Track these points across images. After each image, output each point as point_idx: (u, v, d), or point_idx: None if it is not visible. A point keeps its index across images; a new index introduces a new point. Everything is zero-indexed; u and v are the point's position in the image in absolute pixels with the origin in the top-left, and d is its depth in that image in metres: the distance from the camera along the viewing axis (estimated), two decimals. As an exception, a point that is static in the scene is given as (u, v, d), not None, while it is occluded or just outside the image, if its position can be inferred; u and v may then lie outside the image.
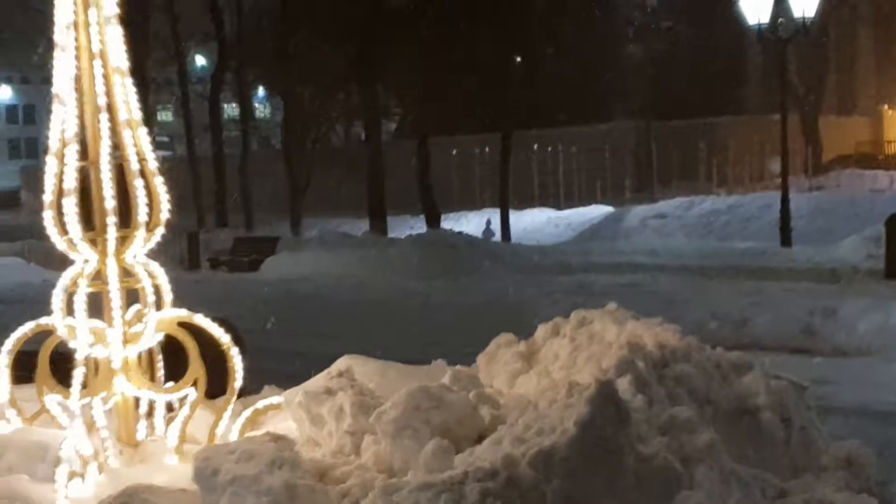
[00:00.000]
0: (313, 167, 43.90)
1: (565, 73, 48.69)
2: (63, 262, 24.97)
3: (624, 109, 54.63)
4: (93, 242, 6.43)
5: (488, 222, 34.95)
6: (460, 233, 30.31)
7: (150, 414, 6.40)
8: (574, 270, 23.68)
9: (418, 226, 35.79)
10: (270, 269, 28.65)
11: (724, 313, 15.24)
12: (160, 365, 6.70)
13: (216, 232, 34.31)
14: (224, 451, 4.97)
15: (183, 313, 6.48)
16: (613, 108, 55.68)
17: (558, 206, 42.40)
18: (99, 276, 6.39)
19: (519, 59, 37.61)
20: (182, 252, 31.39)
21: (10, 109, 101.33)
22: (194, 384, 6.07)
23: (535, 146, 45.88)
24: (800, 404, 6.17)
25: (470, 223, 39.15)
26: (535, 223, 38.76)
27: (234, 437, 5.99)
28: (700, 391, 5.96)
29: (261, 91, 54.73)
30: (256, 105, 51.27)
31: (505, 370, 6.44)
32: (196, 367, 6.10)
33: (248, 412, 6.16)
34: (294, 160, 40.28)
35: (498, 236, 34.15)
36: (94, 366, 6.19)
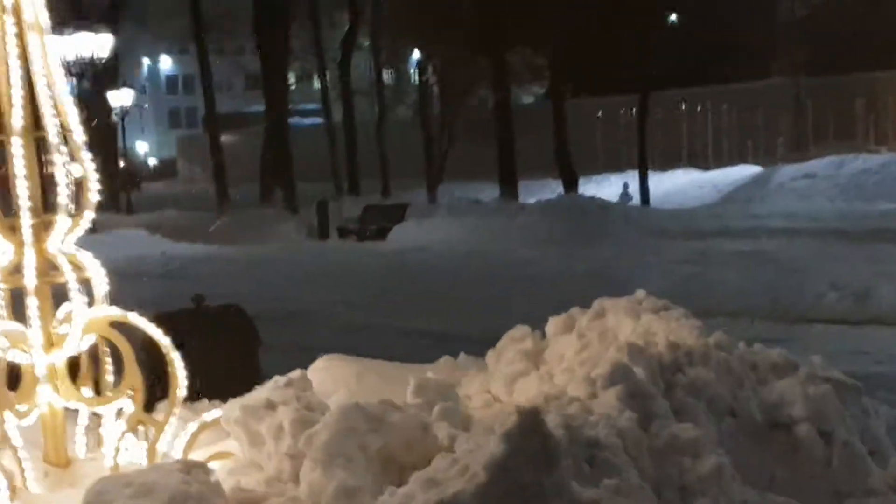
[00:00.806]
0: (454, 132, 43.28)
1: (717, 29, 47.05)
2: (193, 235, 24.58)
3: (779, 66, 52.49)
4: (12, 230, 5.64)
5: (625, 186, 33.80)
6: (592, 197, 29.25)
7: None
8: (705, 235, 22.54)
9: (558, 190, 34.85)
10: (398, 238, 28.05)
11: (847, 284, 14.00)
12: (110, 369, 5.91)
13: (346, 200, 33.86)
14: (121, 484, 4.21)
15: (115, 312, 5.70)
16: (768, 65, 53.57)
17: (705, 167, 40.94)
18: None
19: (671, 16, 36.48)
20: (312, 222, 31.08)
21: (170, 79, 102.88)
22: (132, 395, 5.29)
23: (683, 105, 44.43)
24: (848, 413, 5.16)
25: (612, 186, 38.02)
26: (678, 185, 37.45)
27: (178, 455, 5.20)
28: (721, 401, 5.00)
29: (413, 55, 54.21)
30: (391, 70, 50.68)
31: (505, 372, 5.55)
32: (132, 375, 5.32)
33: (193, 426, 5.37)
34: (434, 125, 39.70)
35: (637, 200, 33.03)
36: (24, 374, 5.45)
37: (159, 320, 7.76)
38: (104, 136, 43.85)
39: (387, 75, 48.88)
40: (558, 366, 5.39)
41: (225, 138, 69.61)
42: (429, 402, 4.93)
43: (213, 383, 6.82)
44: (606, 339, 5.42)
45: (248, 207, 36.78)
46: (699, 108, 44.94)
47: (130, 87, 42.49)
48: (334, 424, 4.43)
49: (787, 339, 11.74)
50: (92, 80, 42.59)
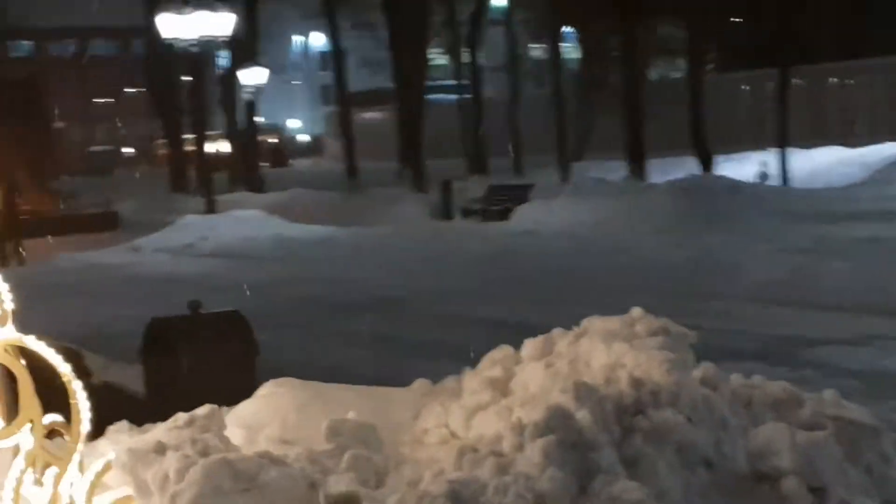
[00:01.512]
0: (595, 109, 42.43)
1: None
2: (314, 215, 24.10)
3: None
4: None
5: (762, 164, 32.47)
6: (721, 177, 28.10)
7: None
8: (836, 219, 21.33)
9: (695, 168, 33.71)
10: (520, 219, 27.34)
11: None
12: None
13: (473, 179, 33.24)
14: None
15: (12, 336, 5.07)
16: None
17: (853, 144, 39.19)
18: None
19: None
20: (437, 201, 30.56)
21: (322, 56, 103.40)
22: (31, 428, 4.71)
23: (832, 79, 42.70)
24: (860, 462, 4.35)
25: (753, 164, 36.65)
26: (823, 163, 35.86)
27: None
28: (693, 449, 4.24)
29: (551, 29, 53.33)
30: (527, 46, 49.83)
31: (464, 404, 4.86)
32: (29, 408, 4.74)
33: (97, 466, 4.74)
34: (572, 102, 38.94)
35: (777, 179, 31.73)
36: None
37: (154, 326, 7.28)
38: (237, 114, 44.09)
39: (522, 50, 48.12)
40: (521, 397, 4.69)
41: (371, 115, 69.76)
42: (341, 446, 4.28)
43: (205, 394, 6.31)
44: (577, 368, 4.70)
45: (379, 186, 36.42)
46: (849, 83, 43.14)
47: (265, 66, 42.30)
48: (197, 484, 3.81)
49: (884, 336, 10.82)
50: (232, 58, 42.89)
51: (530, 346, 5.19)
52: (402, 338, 12.39)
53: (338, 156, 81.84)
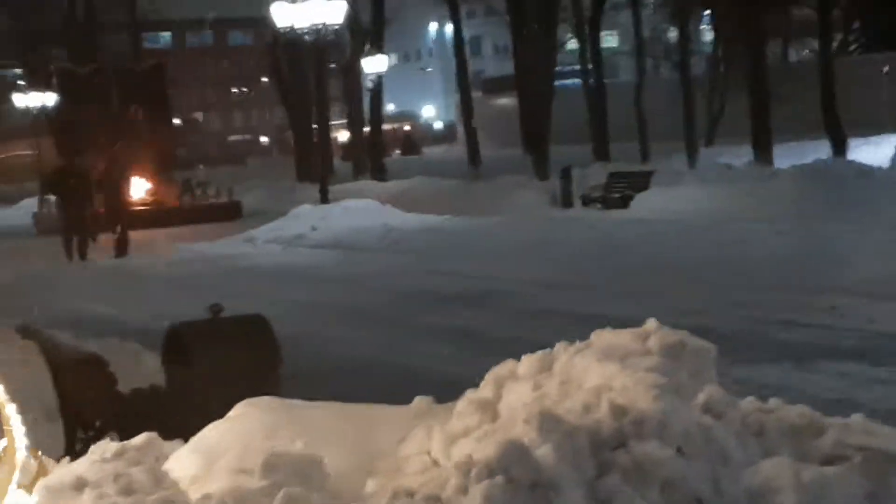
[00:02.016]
0: (728, 93, 41.38)
1: None
2: (431, 204, 23.86)
3: None
4: None
5: (897, 148, 31.07)
6: (851, 162, 26.92)
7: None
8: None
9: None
10: (640, 207, 26.62)
11: None
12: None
13: (592, 166, 32.51)
14: None
15: None
16: None
17: None
18: None
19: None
20: (557, 189, 29.96)
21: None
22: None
23: None
24: (874, 501, 3.74)
25: (891, 148, 35.17)
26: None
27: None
28: (683, 486, 3.68)
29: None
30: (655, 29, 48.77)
31: (447, 429, 4.35)
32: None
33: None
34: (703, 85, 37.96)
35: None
36: None
37: (173, 334, 6.90)
38: (363, 103, 43.95)
39: (650, 34, 47.14)
40: (508, 422, 4.17)
41: (504, 101, 69.19)
42: (276, 484, 3.82)
43: (225, 404, 5.94)
44: (568, 390, 4.16)
45: (504, 174, 35.92)
46: None
47: (388, 53, 42.11)
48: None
49: None
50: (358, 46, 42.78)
51: (527, 362, 4.66)
52: (495, 334, 11.89)
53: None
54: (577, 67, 46.19)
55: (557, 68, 41.73)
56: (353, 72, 44.04)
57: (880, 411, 7.89)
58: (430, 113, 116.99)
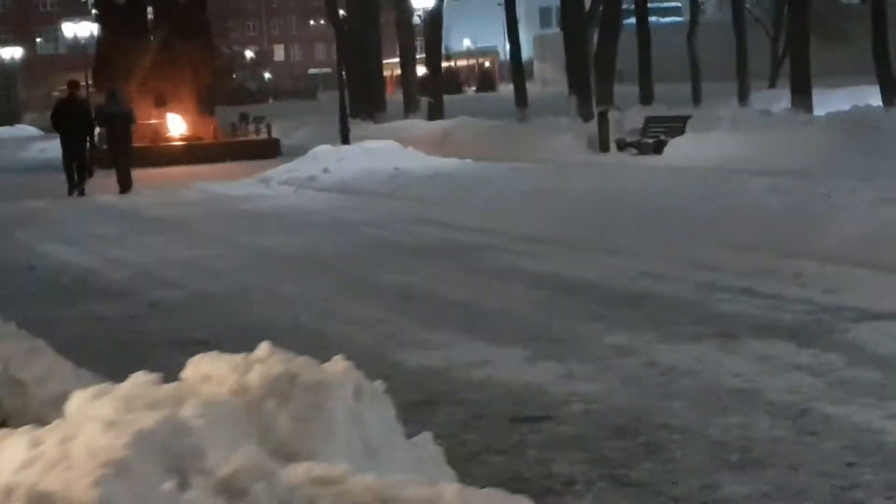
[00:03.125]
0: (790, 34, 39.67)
1: None
2: (467, 146, 23.07)
3: None
4: None
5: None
6: (889, 110, 25.53)
7: None
8: None
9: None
10: (673, 152, 25.64)
11: None
12: None
13: (631, 109, 31.33)
14: None
15: None
16: None
17: None
18: None
19: None
20: (592, 134, 28.92)
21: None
22: None
23: None
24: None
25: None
26: None
27: None
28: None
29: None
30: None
31: None
32: None
33: None
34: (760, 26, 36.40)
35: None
36: None
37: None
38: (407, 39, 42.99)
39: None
40: None
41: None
42: None
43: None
44: (69, 452, 3.16)
45: (549, 114, 34.85)
46: None
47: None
48: None
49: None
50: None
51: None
52: (442, 295, 11.07)
53: (545, 79, 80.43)
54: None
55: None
56: (404, 6, 43.01)
57: (777, 404, 7.00)
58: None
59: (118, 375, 7.90)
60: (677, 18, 74.60)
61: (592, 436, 6.63)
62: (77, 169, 23.91)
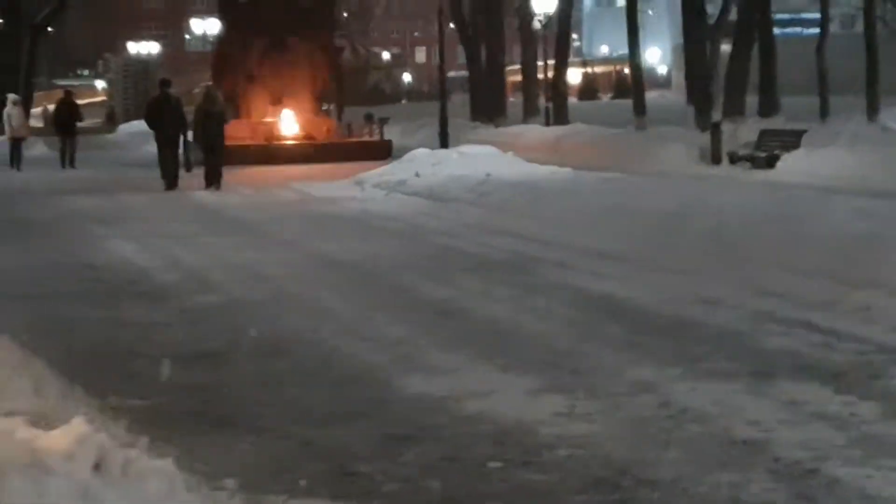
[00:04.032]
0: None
1: None
2: (576, 155, 22.53)
3: None
4: None
5: None
6: None
7: None
8: None
9: None
10: (786, 168, 24.64)
11: None
12: None
13: (746, 122, 30.21)
14: None
15: None
16: None
17: None
18: None
19: None
20: (705, 146, 27.95)
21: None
22: None
23: None
24: None
25: None
26: None
27: None
28: None
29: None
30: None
31: None
32: None
33: None
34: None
35: None
36: None
37: None
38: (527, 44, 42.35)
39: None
40: None
41: (725, 47, 66.38)
42: None
43: None
44: None
45: (667, 123, 33.93)
46: None
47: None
48: None
49: None
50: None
51: None
52: (478, 314, 10.51)
53: (682, 88, 79.02)
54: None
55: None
56: (525, 11, 42.39)
57: (783, 461, 6.24)
58: (654, 57, 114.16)
59: (97, 388, 7.56)
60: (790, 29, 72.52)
61: (565, 489, 5.97)
62: (171, 165, 24.18)
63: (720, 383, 7.92)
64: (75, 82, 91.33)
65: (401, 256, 14.27)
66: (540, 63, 43.97)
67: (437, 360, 8.77)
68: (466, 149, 24.78)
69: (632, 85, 39.13)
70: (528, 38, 44.10)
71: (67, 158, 34.17)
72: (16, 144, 34.14)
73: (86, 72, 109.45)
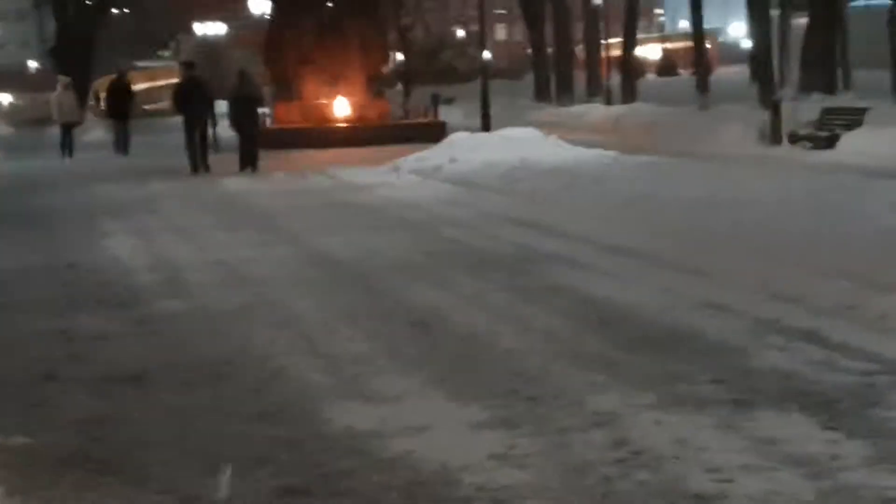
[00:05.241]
0: None
1: None
2: (627, 136, 21.51)
3: None
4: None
5: None
6: None
7: None
8: None
9: None
10: (846, 148, 23.34)
11: None
12: None
13: (808, 99, 28.77)
14: None
15: None
16: None
17: None
18: None
19: None
20: (765, 125, 26.62)
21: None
22: None
23: None
24: None
25: None
26: None
27: None
28: None
29: None
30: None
31: None
32: None
33: None
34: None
35: None
36: None
37: None
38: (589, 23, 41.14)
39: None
40: None
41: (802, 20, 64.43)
42: None
43: None
44: None
45: (730, 101, 32.57)
46: None
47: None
48: None
49: None
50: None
51: None
52: (458, 325, 9.54)
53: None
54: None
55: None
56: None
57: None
58: (739, 31, 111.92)
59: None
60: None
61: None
62: (200, 148, 23.71)
63: (691, 414, 6.88)
64: (157, 63, 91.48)
65: (403, 253, 13.34)
66: (611, 41, 42.74)
67: (385, 384, 7.80)
68: (508, 132, 23.71)
69: (694, 61, 37.66)
70: (591, 14, 42.78)
71: (121, 144, 33.27)
72: (67, 130, 33.46)
73: (167, 53, 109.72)
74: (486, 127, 25.75)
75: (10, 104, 69.96)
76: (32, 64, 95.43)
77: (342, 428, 6.88)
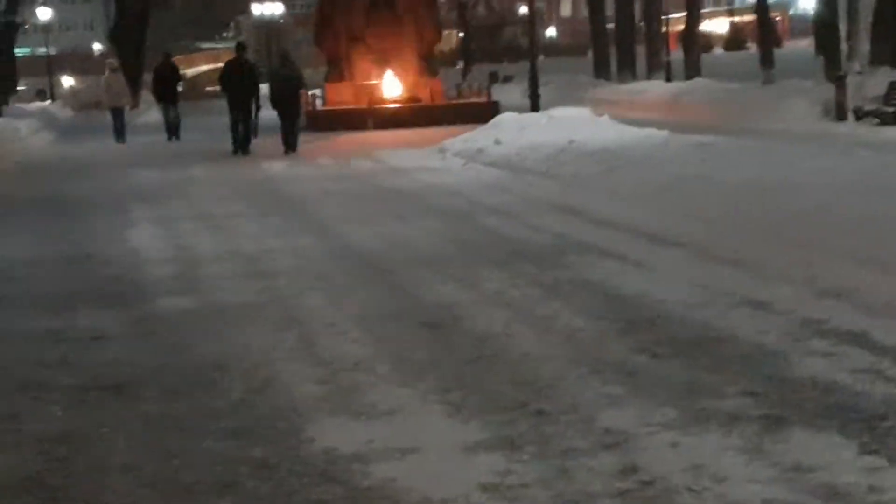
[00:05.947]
0: None
1: None
2: (688, 111, 20.63)
3: None
4: None
5: None
6: None
7: None
8: None
9: None
10: (911, 124, 22.21)
11: None
12: None
13: (876, 73, 27.59)
14: None
15: None
16: None
17: None
18: None
19: None
20: (830, 100, 25.55)
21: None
22: None
23: None
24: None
25: None
26: None
27: None
28: None
29: None
30: None
31: None
32: None
33: None
34: None
35: None
36: None
37: None
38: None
39: None
40: None
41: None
42: None
43: None
44: None
45: (795, 76, 31.44)
46: None
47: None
48: None
49: None
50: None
51: None
52: (465, 328, 8.82)
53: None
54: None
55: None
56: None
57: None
58: (811, 3, 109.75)
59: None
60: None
61: None
62: (243, 129, 23.43)
63: (714, 434, 6.10)
64: (220, 45, 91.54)
65: (432, 244, 12.63)
66: (676, 15, 41.60)
67: (380, 396, 7.08)
68: (557, 112, 22.86)
69: (758, 34, 36.48)
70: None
71: (172, 128, 32.81)
72: (117, 114, 33.14)
73: (229, 34, 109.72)
74: (534, 107, 24.91)
75: (71, 87, 70.10)
76: (97, 46, 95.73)
77: (322, 449, 6.18)
